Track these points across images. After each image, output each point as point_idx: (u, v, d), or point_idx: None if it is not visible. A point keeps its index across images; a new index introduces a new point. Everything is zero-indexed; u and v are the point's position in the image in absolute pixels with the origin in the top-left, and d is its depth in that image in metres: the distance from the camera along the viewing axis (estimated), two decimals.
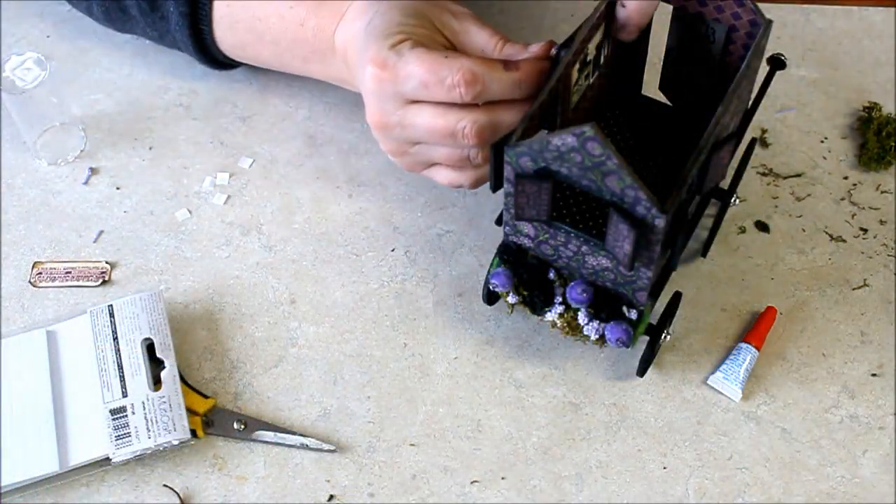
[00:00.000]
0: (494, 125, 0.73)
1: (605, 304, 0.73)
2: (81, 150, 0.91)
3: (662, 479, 0.76)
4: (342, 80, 0.85)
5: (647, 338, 0.76)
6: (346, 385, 0.80)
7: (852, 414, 0.78)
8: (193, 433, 0.76)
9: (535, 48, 0.74)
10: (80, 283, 0.84)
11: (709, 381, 0.79)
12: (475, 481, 0.76)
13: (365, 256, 0.86)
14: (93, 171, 0.90)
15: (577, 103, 0.76)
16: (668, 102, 0.84)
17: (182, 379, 0.78)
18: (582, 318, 0.74)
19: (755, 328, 0.81)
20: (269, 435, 0.77)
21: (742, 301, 0.83)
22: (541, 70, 0.73)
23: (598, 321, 0.74)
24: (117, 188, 0.89)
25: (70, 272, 0.85)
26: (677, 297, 0.78)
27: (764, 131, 0.91)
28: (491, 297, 0.81)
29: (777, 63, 0.82)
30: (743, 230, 0.86)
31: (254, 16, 0.85)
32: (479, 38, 0.76)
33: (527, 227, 0.72)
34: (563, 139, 0.63)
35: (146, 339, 0.79)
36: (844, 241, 0.86)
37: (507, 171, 0.68)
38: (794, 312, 0.82)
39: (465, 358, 0.81)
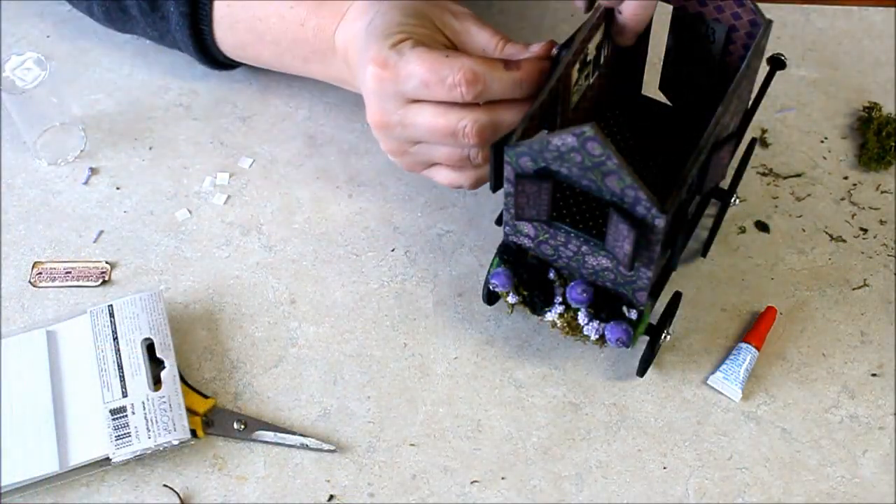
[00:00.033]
0: (495, 125, 0.73)
1: (605, 304, 0.73)
2: (81, 150, 0.91)
3: (662, 479, 0.76)
4: (343, 80, 0.85)
5: (646, 338, 0.76)
6: (346, 385, 0.80)
7: (852, 414, 0.78)
8: (193, 433, 0.76)
9: (536, 48, 0.74)
10: (80, 283, 0.84)
11: (709, 381, 0.79)
12: (475, 481, 0.76)
13: (365, 256, 0.86)
14: (93, 171, 0.90)
15: (577, 103, 0.76)
16: (668, 102, 0.84)
17: (182, 379, 0.78)
18: (582, 318, 0.74)
19: (755, 328, 0.81)
20: (269, 435, 0.77)
21: (742, 301, 0.83)
22: (541, 70, 0.73)
23: (598, 321, 0.74)
24: (117, 188, 0.89)
25: (70, 272, 0.85)
26: (677, 297, 0.78)
27: (764, 131, 0.92)
28: (491, 298, 0.81)
29: (777, 63, 0.82)
30: (743, 230, 0.86)
31: (254, 16, 0.85)
32: (480, 37, 0.76)
33: (527, 227, 0.72)
34: (564, 139, 0.63)
35: (146, 339, 0.79)
36: (844, 241, 0.86)
37: (507, 171, 0.68)
38: (794, 312, 0.82)
39: (465, 358, 0.81)
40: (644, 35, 0.79)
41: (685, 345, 0.81)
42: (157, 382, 0.77)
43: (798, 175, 0.89)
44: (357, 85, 0.81)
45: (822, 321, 0.82)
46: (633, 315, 0.73)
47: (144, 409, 0.76)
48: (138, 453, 0.75)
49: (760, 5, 0.74)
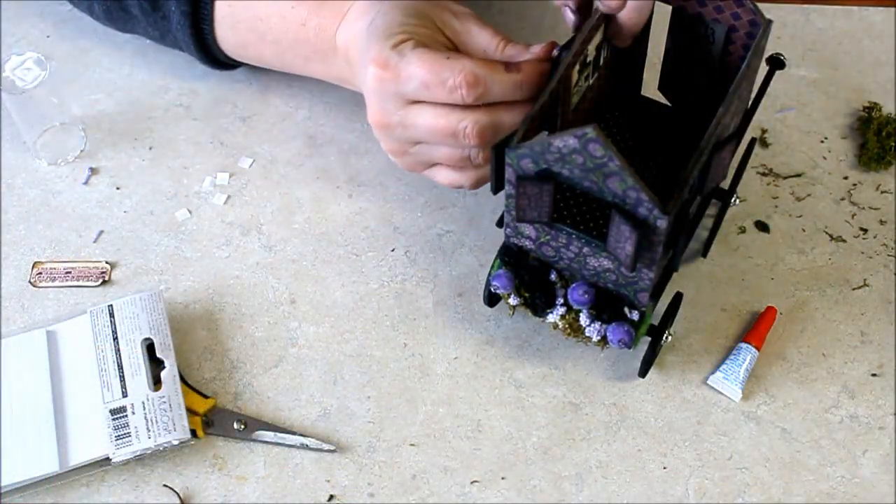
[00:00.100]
0: (496, 125, 0.73)
1: (607, 306, 0.73)
2: (81, 150, 0.91)
3: (662, 479, 0.76)
4: (344, 79, 0.85)
5: (647, 338, 0.76)
6: (346, 385, 0.80)
7: (852, 414, 0.78)
8: (193, 433, 0.76)
9: (537, 49, 0.74)
10: (80, 283, 0.84)
11: (709, 381, 0.79)
12: (475, 481, 0.76)
13: (365, 256, 0.86)
14: (93, 171, 0.90)
15: (577, 104, 0.76)
16: (668, 103, 0.84)
17: (182, 379, 0.78)
18: (584, 319, 0.74)
19: (755, 328, 0.81)
20: (269, 435, 0.77)
21: (742, 301, 0.83)
22: (542, 72, 0.73)
23: (599, 322, 0.74)
24: (117, 188, 0.89)
25: (70, 272, 0.84)
26: (678, 297, 0.78)
27: (764, 131, 0.92)
28: (492, 299, 0.81)
29: (777, 63, 0.82)
30: (743, 230, 0.86)
31: (255, 15, 0.85)
32: (481, 38, 0.76)
33: (528, 229, 0.72)
34: (565, 141, 0.63)
35: (146, 339, 0.78)
36: (844, 241, 0.86)
37: (509, 173, 0.68)
38: (794, 312, 0.82)
39: (465, 358, 0.81)
40: (643, 36, 0.79)
41: (685, 345, 0.81)
42: (157, 382, 0.77)
43: (798, 175, 0.89)
44: (358, 85, 0.81)
45: (822, 321, 0.82)
46: (635, 316, 0.73)
47: (144, 409, 0.76)
48: (138, 453, 0.75)
49: (760, 5, 0.74)
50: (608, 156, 0.63)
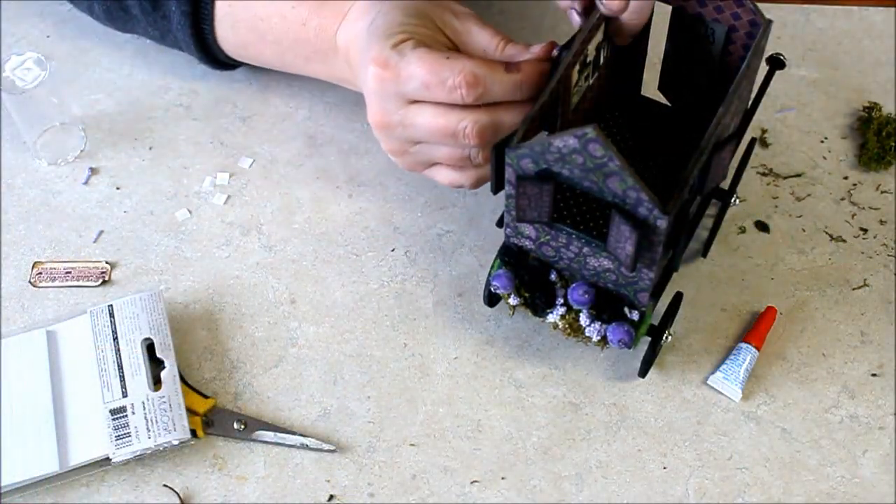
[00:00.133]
0: (496, 125, 0.73)
1: (607, 306, 0.73)
2: (81, 150, 0.91)
3: (662, 479, 0.76)
4: (344, 79, 0.85)
5: (647, 338, 0.76)
6: (346, 385, 0.80)
7: (852, 414, 0.78)
8: (193, 433, 0.76)
9: (537, 49, 0.74)
10: (80, 283, 0.84)
11: (709, 381, 0.79)
12: (475, 481, 0.76)
13: (365, 256, 0.86)
14: (93, 171, 0.90)
15: (577, 104, 0.76)
16: (668, 103, 0.84)
17: (182, 379, 0.78)
18: (584, 319, 0.74)
19: (755, 328, 0.81)
20: (269, 435, 0.77)
21: (742, 301, 0.83)
22: (542, 72, 0.73)
23: (599, 322, 0.74)
24: (117, 188, 0.89)
25: (70, 272, 0.84)
26: (678, 297, 0.78)
27: (764, 131, 0.92)
28: (492, 299, 0.81)
29: (776, 63, 0.82)
30: (743, 230, 0.86)
31: (255, 15, 0.85)
32: (481, 38, 0.76)
33: (528, 229, 0.72)
34: (565, 141, 0.63)
35: (146, 339, 0.78)
36: (844, 241, 0.86)
37: (509, 174, 0.68)
38: (794, 312, 0.82)
39: (465, 358, 0.81)
40: (643, 35, 0.79)
41: (685, 345, 0.81)
42: (157, 382, 0.77)
43: (798, 175, 0.89)
44: (358, 85, 0.81)
45: (822, 321, 0.82)
46: (635, 316, 0.73)
47: (144, 409, 0.76)
48: (138, 453, 0.75)
49: (760, 5, 0.74)
50: (608, 156, 0.63)
